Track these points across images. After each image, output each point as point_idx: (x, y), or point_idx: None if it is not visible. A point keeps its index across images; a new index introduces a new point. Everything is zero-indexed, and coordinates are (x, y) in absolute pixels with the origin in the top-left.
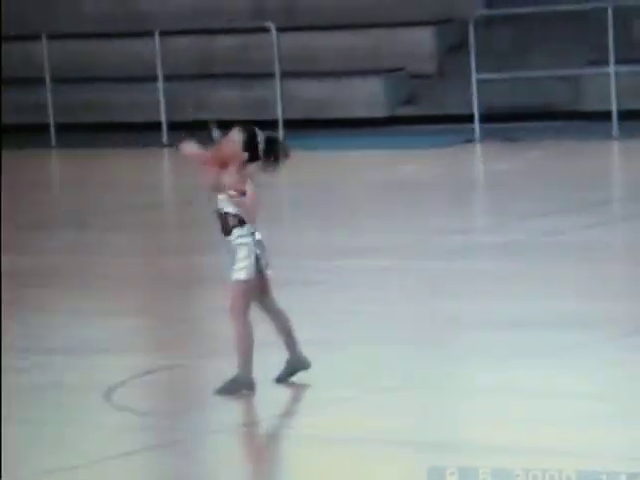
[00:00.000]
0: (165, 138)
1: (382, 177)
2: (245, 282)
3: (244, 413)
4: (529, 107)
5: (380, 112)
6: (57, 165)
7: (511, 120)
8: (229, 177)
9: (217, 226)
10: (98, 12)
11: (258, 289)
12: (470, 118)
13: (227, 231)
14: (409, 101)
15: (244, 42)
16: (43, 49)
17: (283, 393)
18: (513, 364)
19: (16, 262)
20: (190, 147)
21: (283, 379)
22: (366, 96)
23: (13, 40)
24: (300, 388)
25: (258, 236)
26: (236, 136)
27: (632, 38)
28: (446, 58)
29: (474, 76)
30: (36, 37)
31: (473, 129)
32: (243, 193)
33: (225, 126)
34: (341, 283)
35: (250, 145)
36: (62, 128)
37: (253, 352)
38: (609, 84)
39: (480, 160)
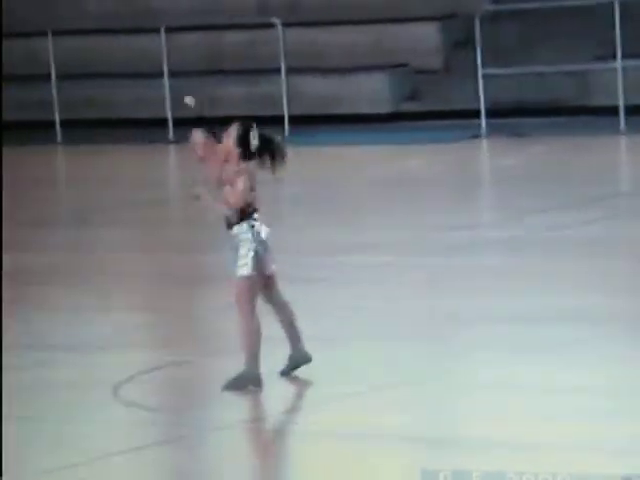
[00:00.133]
0: (171, 134)
1: (387, 173)
2: (248, 278)
3: (249, 409)
4: (536, 102)
5: (385, 108)
6: (63, 162)
7: (517, 115)
8: (226, 172)
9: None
10: (104, 8)
11: (262, 285)
12: (476, 114)
13: (229, 225)
14: (414, 97)
15: (250, 38)
16: (49, 46)
17: (287, 389)
18: (513, 360)
19: (19, 259)
20: (199, 136)
21: (287, 373)
22: (371, 92)
23: (19, 37)
24: (303, 384)
25: (264, 234)
26: (232, 131)
27: (639, 33)
28: (452, 53)
29: (480, 71)
30: (42, 34)
31: (479, 125)
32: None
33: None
34: (343, 280)
35: (243, 141)
36: (68, 125)
37: (260, 348)
38: (616, 79)
39: (486, 155)
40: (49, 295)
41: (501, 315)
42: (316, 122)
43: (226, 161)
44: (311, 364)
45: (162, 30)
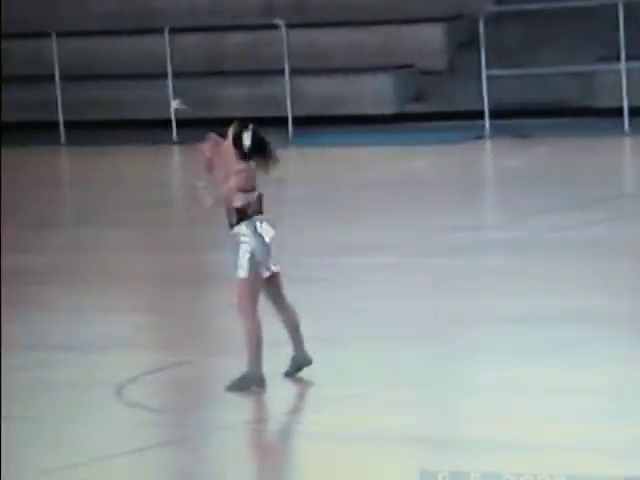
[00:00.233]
0: (174, 135)
1: (391, 174)
2: (246, 280)
3: (251, 410)
4: (539, 103)
5: (389, 109)
6: (66, 162)
7: (521, 116)
8: (227, 171)
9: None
10: (107, 9)
11: (263, 286)
12: (480, 115)
13: (231, 226)
14: (418, 98)
15: (253, 39)
16: (53, 47)
17: (289, 390)
18: (516, 361)
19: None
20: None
21: (290, 374)
22: (375, 93)
23: (22, 38)
24: (305, 385)
25: (267, 236)
26: (230, 131)
27: None
28: (456, 54)
29: (484, 72)
30: (45, 35)
31: (483, 125)
32: (240, 189)
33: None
34: (346, 280)
35: (238, 142)
36: (71, 126)
37: (262, 348)
38: (620, 80)
39: (490, 157)
40: (50, 295)
41: (505, 316)
42: (320, 123)
43: (227, 161)
44: (313, 365)
45: (166, 31)
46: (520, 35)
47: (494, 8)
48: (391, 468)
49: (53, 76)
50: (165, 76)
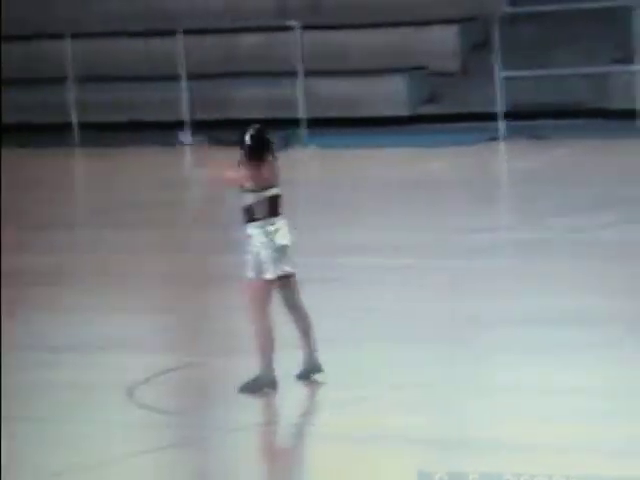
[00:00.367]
0: (188, 137)
1: (405, 175)
2: (255, 281)
3: (263, 411)
4: (554, 105)
5: (403, 110)
6: (80, 163)
7: (536, 118)
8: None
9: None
10: (122, 11)
11: (277, 288)
12: (494, 116)
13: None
14: (432, 99)
15: (268, 40)
16: (67, 48)
17: (302, 392)
18: (517, 361)
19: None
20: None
21: (303, 377)
22: (389, 94)
23: (37, 39)
24: (318, 387)
25: (279, 241)
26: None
27: None
28: (470, 56)
29: (498, 74)
30: (60, 36)
31: (497, 127)
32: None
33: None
34: (361, 281)
35: (241, 143)
36: (85, 127)
37: (274, 350)
38: (634, 82)
39: (505, 158)
40: (59, 296)
41: (518, 317)
42: (335, 124)
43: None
44: (328, 367)
45: (180, 33)
46: (535, 36)
47: (508, 9)
48: (400, 469)
49: (67, 78)
50: (179, 78)
